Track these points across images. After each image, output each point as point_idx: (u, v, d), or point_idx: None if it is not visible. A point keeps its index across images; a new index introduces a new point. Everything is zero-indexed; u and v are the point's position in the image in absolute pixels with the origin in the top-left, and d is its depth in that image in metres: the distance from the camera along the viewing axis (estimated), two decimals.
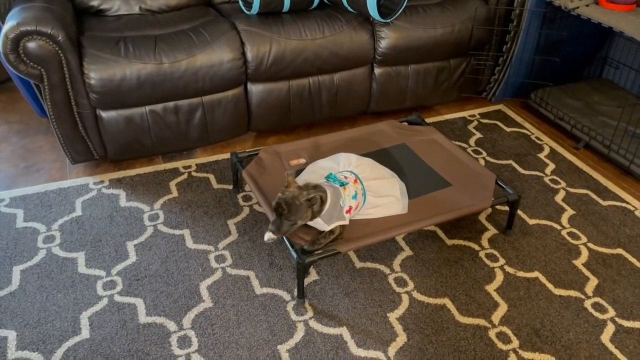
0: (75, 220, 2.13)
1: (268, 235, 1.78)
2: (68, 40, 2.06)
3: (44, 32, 1.99)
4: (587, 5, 2.55)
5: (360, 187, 1.86)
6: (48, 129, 2.71)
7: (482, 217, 2.22)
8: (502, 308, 1.84)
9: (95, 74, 2.12)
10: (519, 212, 2.25)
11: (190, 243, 2.04)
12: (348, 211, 1.80)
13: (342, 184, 1.81)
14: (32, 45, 2.00)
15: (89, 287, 1.85)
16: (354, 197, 1.82)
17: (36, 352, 1.64)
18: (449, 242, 2.09)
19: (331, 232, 1.78)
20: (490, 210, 2.24)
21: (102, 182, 2.34)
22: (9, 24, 1.98)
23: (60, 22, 2.05)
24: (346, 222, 1.80)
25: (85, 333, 1.70)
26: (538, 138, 2.77)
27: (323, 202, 1.73)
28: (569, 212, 2.27)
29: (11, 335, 1.69)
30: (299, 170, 2.09)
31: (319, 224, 1.76)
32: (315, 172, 2.01)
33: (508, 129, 2.83)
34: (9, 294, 1.82)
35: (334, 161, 2.01)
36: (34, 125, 2.74)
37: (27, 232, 2.07)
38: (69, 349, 1.65)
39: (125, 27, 2.36)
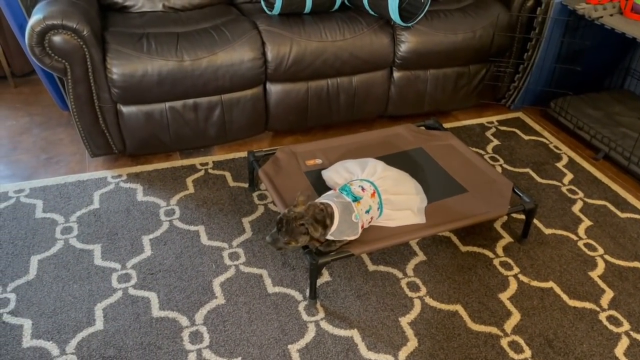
0: (93, 213, 2.15)
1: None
2: (92, 35, 2.09)
3: (69, 26, 2.02)
4: (611, 15, 2.53)
5: (377, 201, 1.83)
6: (69, 122, 2.75)
7: (498, 225, 2.20)
8: (515, 317, 1.82)
9: (117, 69, 2.15)
10: (535, 221, 2.24)
11: (204, 239, 2.06)
12: (362, 226, 1.79)
13: (356, 199, 1.79)
14: (57, 39, 2.03)
15: (104, 279, 1.87)
16: (367, 211, 1.79)
17: (51, 342, 1.66)
18: (463, 248, 2.08)
19: None
20: (505, 218, 2.23)
21: (120, 176, 2.36)
22: (36, 17, 2.01)
23: (85, 17, 2.08)
24: (357, 236, 1.79)
25: (99, 324, 1.72)
26: (557, 147, 2.74)
27: (327, 226, 1.71)
28: (586, 222, 2.25)
29: (27, 323, 1.72)
30: (323, 168, 2.10)
31: (330, 238, 1.76)
32: (339, 173, 2.01)
33: (526, 137, 2.81)
34: (26, 283, 1.85)
35: (360, 166, 1.99)
36: (55, 118, 2.78)
37: (46, 223, 2.10)
38: (82, 339, 1.67)
39: (148, 24, 2.39)
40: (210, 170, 2.43)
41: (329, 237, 1.74)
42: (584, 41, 2.77)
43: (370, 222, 1.84)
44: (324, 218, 1.69)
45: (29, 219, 2.11)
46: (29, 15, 2.31)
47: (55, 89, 2.54)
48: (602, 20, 2.48)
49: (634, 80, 3.03)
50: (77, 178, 2.34)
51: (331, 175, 2.03)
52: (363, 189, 1.83)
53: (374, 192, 1.84)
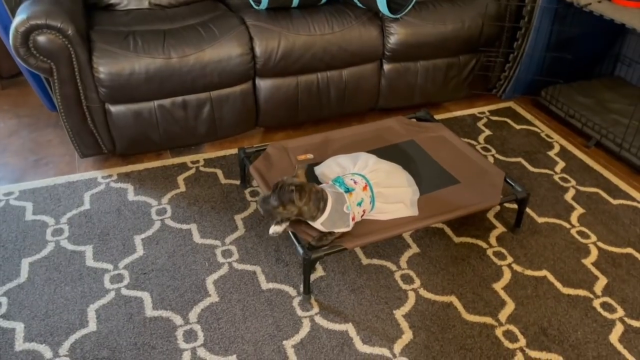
0: (84, 214, 2.14)
1: (273, 229, 1.78)
2: (77, 34, 2.06)
3: (53, 25, 2.00)
4: (599, 2, 2.52)
5: (369, 194, 1.83)
6: (57, 122, 2.72)
7: (491, 215, 2.20)
8: (510, 306, 1.82)
9: (104, 68, 2.13)
10: (528, 210, 2.23)
11: (197, 238, 2.05)
12: (352, 218, 1.79)
13: (348, 190, 1.78)
14: (42, 39, 2.00)
15: (96, 280, 1.86)
16: (359, 203, 1.79)
17: (43, 344, 1.65)
18: (457, 239, 2.08)
19: None
20: (498, 208, 2.23)
21: (110, 176, 2.35)
22: (19, 17, 1.99)
23: (69, 16, 2.06)
24: (349, 229, 1.78)
25: (92, 326, 1.71)
26: (548, 136, 2.74)
27: (319, 208, 1.70)
28: (579, 210, 2.25)
29: (19, 327, 1.70)
30: (315, 163, 2.09)
31: (321, 228, 1.75)
32: (330, 167, 2.01)
33: (518, 127, 2.81)
34: (17, 286, 1.83)
35: (352, 160, 1.99)
36: (43, 119, 2.76)
37: (36, 225, 2.08)
38: (76, 341, 1.66)
39: (134, 22, 2.37)
40: (201, 168, 2.41)
41: (320, 226, 1.73)
42: (573, 29, 2.77)
43: (362, 215, 1.84)
44: (318, 200, 1.70)
45: (19, 222, 2.09)
46: (13, 16, 2.29)
47: (42, 89, 2.52)
48: (591, 7, 2.47)
49: (624, 66, 3.03)
50: (67, 179, 2.32)
51: (323, 170, 2.02)
52: (355, 182, 1.82)
53: (365, 186, 1.83)
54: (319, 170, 2.05)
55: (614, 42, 3.02)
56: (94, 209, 2.16)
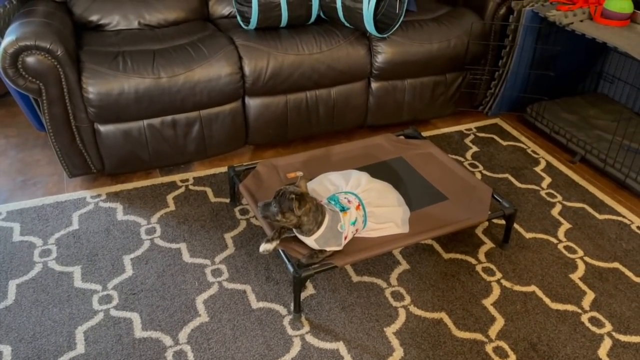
0: (72, 234, 2.12)
1: (263, 247, 1.78)
2: (67, 54, 2.07)
3: (42, 47, 2.01)
4: (581, 21, 2.58)
5: (361, 213, 1.84)
6: (46, 142, 2.72)
7: (479, 231, 2.22)
8: (499, 322, 1.83)
9: (93, 88, 2.13)
10: (516, 225, 2.26)
11: (186, 257, 2.04)
12: (345, 237, 1.79)
13: (343, 209, 1.79)
14: (31, 60, 2.01)
15: (84, 302, 1.84)
16: (353, 223, 1.80)
17: None
18: (446, 255, 2.09)
19: None
20: (486, 224, 2.25)
21: (99, 195, 2.34)
22: (8, 38, 1.99)
23: (59, 37, 2.07)
24: (340, 249, 1.79)
25: (80, 348, 1.69)
26: (534, 152, 2.78)
27: (317, 222, 1.71)
28: (566, 225, 2.28)
29: (6, 350, 1.68)
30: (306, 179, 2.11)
31: (313, 245, 1.76)
32: (322, 184, 2.02)
33: (504, 143, 2.85)
34: (4, 309, 1.81)
35: (344, 178, 2.00)
36: (31, 139, 2.75)
37: (24, 246, 2.06)
38: None
39: (123, 42, 2.38)
40: (190, 187, 2.41)
41: (313, 243, 1.74)
42: (556, 47, 2.83)
43: (354, 233, 1.85)
44: (317, 214, 1.71)
45: (6, 243, 2.07)
46: (2, 37, 2.29)
47: (30, 109, 2.51)
48: (573, 27, 2.53)
49: (607, 83, 3.09)
50: (55, 199, 2.31)
51: (315, 187, 2.03)
52: (349, 201, 1.83)
53: (358, 205, 1.84)
54: (310, 186, 2.06)
55: (596, 60, 3.09)
56: (82, 229, 2.15)
